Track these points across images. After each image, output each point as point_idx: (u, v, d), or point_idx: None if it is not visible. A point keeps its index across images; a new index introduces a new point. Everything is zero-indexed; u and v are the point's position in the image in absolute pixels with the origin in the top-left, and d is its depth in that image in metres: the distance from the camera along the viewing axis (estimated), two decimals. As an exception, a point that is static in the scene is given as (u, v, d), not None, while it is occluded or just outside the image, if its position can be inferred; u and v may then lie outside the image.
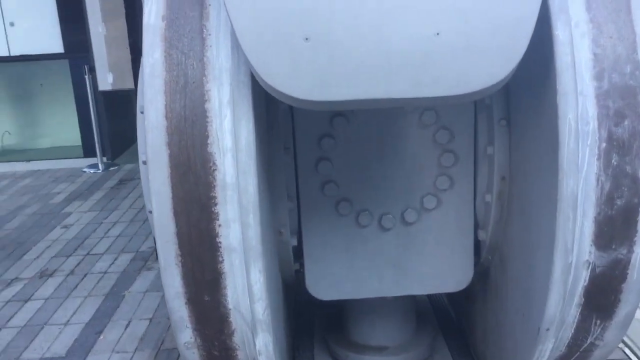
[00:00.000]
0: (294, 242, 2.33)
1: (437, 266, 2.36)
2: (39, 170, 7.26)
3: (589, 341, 1.95)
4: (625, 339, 2.98)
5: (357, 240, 2.33)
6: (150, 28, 1.68)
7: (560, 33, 1.62)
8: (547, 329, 1.86)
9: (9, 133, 8.06)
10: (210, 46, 1.66)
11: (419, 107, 2.12)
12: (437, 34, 1.48)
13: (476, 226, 2.33)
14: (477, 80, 1.49)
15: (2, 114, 8.01)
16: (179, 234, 1.71)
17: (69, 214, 5.61)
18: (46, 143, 8.00)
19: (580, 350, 1.98)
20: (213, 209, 1.69)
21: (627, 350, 2.99)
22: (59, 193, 6.30)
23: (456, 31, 1.48)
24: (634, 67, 1.62)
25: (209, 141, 1.66)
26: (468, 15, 1.48)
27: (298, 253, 2.39)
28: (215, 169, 1.66)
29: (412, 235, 2.32)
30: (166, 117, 1.65)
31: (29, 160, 7.45)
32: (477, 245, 2.38)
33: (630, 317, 1.88)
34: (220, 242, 1.71)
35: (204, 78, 1.66)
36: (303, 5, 1.48)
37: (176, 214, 1.69)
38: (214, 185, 1.67)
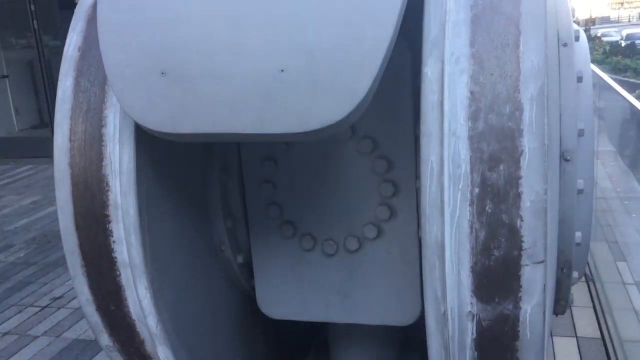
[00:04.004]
0: (240, 260, 2.39)
1: (383, 298, 2.29)
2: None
3: None
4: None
5: (303, 263, 2.34)
6: (67, 58, 1.85)
7: (429, 70, 1.52)
8: None
9: None
10: None
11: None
12: (282, 70, 1.47)
13: None
14: (319, 119, 1.46)
15: None
16: (82, 247, 1.86)
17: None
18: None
19: None
20: (108, 226, 1.81)
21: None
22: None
23: (300, 68, 1.46)
24: (514, 108, 1.48)
25: (103, 163, 1.79)
26: (313, 52, 1.46)
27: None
28: (109, 190, 1.79)
29: (356, 263, 2.28)
30: (70, 140, 1.81)
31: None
32: None
33: None
34: (116, 257, 1.84)
35: (103, 104, 1.79)
36: (161, 41, 1.56)
37: (78, 228, 1.84)
38: (108, 205, 1.80)
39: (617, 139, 6.15)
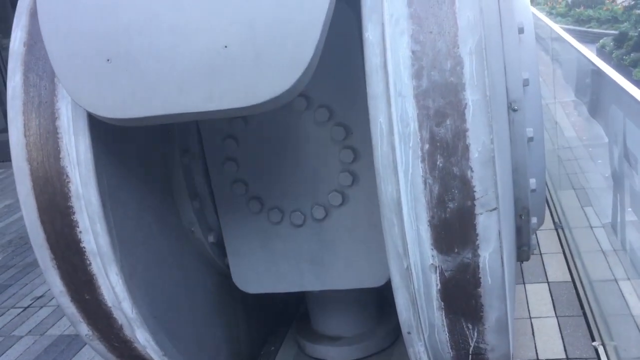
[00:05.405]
0: (211, 239, 2.42)
1: (353, 262, 2.35)
2: None
3: (472, 344, 1.87)
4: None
5: (273, 237, 2.39)
6: (14, 54, 1.85)
7: (370, 34, 1.56)
8: (408, 332, 1.82)
9: None
10: None
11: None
12: (225, 46, 1.49)
13: None
14: (266, 90, 1.49)
15: None
16: (49, 240, 1.88)
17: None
18: None
19: (471, 353, 1.91)
20: (72, 218, 1.83)
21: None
22: None
23: (243, 43, 1.49)
24: (455, 63, 1.52)
25: (61, 155, 1.80)
26: (254, 26, 1.48)
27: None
28: (69, 181, 1.81)
29: (325, 231, 2.33)
30: (25, 135, 1.82)
31: None
32: None
33: (503, 322, 1.78)
34: (84, 247, 1.86)
35: (54, 97, 1.80)
36: (104, 28, 1.56)
37: (43, 222, 1.86)
38: (70, 196, 1.82)
39: (578, 89, 6.27)
